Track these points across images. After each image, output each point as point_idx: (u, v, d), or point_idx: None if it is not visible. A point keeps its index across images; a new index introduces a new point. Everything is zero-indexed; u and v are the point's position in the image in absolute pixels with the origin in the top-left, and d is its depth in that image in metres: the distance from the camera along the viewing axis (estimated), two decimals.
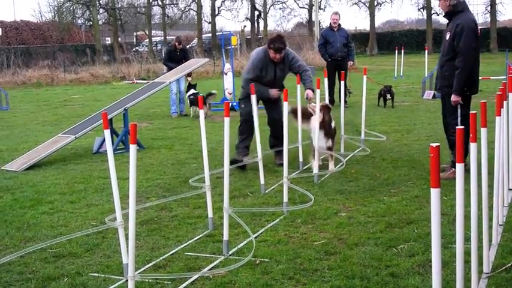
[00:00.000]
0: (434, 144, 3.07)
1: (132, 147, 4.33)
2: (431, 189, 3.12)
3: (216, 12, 53.03)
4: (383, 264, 5.30)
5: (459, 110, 8.11)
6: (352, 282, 4.93)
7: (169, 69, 16.89)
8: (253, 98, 7.88)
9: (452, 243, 5.55)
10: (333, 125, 9.23)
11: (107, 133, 5.11)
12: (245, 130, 9.52)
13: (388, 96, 16.12)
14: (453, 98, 8.03)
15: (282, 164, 7.99)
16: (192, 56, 31.04)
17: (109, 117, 9.83)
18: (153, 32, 54.37)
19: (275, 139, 9.72)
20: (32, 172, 9.79)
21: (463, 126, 3.67)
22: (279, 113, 9.14)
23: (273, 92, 9.50)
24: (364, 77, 11.03)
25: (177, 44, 17.46)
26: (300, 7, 57.54)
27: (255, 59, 9.46)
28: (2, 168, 10.15)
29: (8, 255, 5.45)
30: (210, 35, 52.80)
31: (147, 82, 17.09)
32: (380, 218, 6.65)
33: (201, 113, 6.32)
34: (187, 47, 43.76)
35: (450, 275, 4.83)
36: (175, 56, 17.27)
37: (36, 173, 9.73)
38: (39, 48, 45.79)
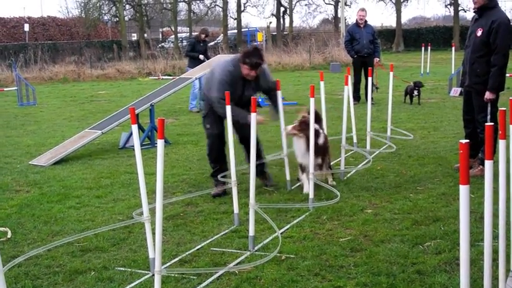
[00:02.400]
0: (463, 141, 3.05)
1: (160, 142, 4.35)
2: (460, 186, 3.10)
3: (242, 8, 52.97)
4: (409, 262, 5.28)
5: (489, 108, 8.04)
6: (378, 279, 4.92)
7: (193, 61, 17.00)
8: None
9: (479, 241, 5.51)
10: (321, 140, 7.84)
11: (135, 128, 5.13)
12: (217, 158, 8.11)
13: (415, 92, 16.00)
14: (488, 95, 7.95)
15: (272, 185, 8.03)
16: (217, 52, 31.13)
17: (136, 112, 9.86)
18: (179, 28, 54.49)
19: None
20: (59, 167, 9.87)
21: (492, 123, 3.64)
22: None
23: (258, 119, 6.91)
24: (391, 73, 10.97)
25: (203, 35, 17.50)
26: (326, 3, 57.28)
27: (222, 74, 7.75)
28: (30, 162, 10.24)
29: (36, 249, 5.50)
30: (235, 31, 52.77)
31: (173, 78, 17.13)
32: (406, 215, 6.62)
33: (228, 108, 6.33)
34: (213, 43, 43.97)
35: (477, 273, 4.80)
36: (199, 48, 17.35)
37: (63, 167, 9.81)
38: (66, 44, 46.12)
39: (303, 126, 7.73)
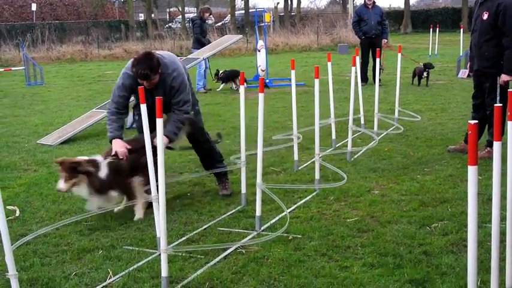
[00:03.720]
0: (472, 122, 3.04)
1: (159, 121, 4.34)
2: (469, 166, 3.09)
3: None
4: (416, 243, 5.29)
5: (498, 90, 8.01)
6: (384, 260, 4.93)
7: (201, 44, 16.98)
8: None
9: (486, 222, 5.51)
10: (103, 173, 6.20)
11: (143, 107, 5.13)
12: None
13: (425, 74, 15.94)
14: (505, 77, 7.89)
15: (226, 195, 6.91)
16: (225, 33, 31.06)
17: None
18: (186, 8, 54.28)
19: (206, 160, 7.30)
20: (66, 146, 9.90)
21: (501, 104, 3.62)
22: (201, 135, 7.08)
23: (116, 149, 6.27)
24: (399, 54, 10.92)
25: (207, 14, 17.42)
26: None
27: (124, 74, 6.61)
28: (38, 142, 10.27)
29: (44, 228, 5.53)
30: (243, 11, 52.52)
31: (180, 59, 17.11)
32: (413, 197, 6.62)
33: (242, 88, 6.32)
34: (220, 23, 43.84)
35: (484, 255, 4.81)
36: (205, 28, 17.38)
37: (70, 147, 9.83)
38: (73, 24, 46.02)
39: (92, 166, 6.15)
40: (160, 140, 4.33)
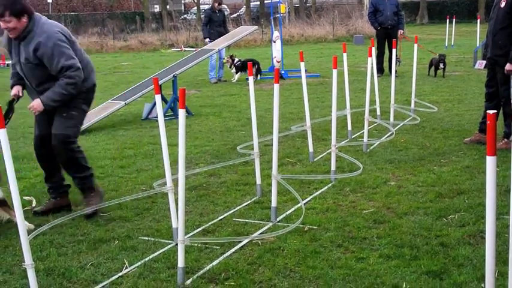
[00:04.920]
0: (491, 112, 3.01)
1: (181, 112, 4.35)
2: (487, 157, 3.06)
3: None
4: (433, 234, 5.26)
5: (511, 80, 7.95)
6: (401, 251, 4.91)
7: (208, 34, 17.05)
8: None
9: (504, 214, 5.48)
10: None
11: (158, 98, 5.13)
12: (43, 166, 6.48)
13: (441, 65, 15.85)
14: (508, 67, 7.85)
15: (90, 216, 5.97)
16: (240, 24, 31.00)
17: (159, 83, 9.87)
18: (201, 0, 54.28)
19: (52, 167, 6.43)
20: (82, 137, 9.89)
21: None
22: (61, 128, 6.16)
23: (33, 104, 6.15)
24: (415, 45, 10.85)
25: (216, 4, 17.44)
26: None
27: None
28: None
29: (61, 217, 5.54)
30: (258, 3, 52.35)
31: (195, 50, 17.11)
32: (430, 188, 6.58)
33: (250, 80, 6.29)
34: (236, 15, 43.78)
35: (502, 246, 4.78)
36: (215, 18, 17.33)
37: (86, 138, 9.85)
38: (89, 16, 46.18)
39: None
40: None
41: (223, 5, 18.55)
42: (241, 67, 16.90)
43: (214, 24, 17.27)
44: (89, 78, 6.30)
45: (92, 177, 6.35)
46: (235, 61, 16.96)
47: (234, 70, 17.02)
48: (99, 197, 6.31)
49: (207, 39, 17.04)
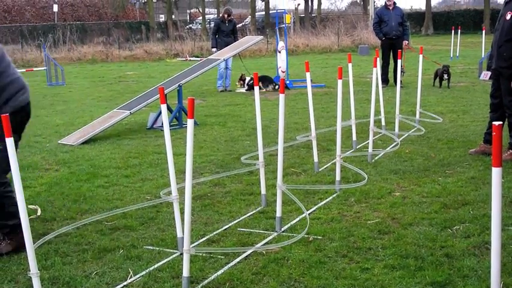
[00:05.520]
0: (497, 123, 3.01)
1: (190, 122, 4.37)
2: (493, 168, 3.07)
3: None
4: (438, 245, 5.25)
5: None
6: (406, 262, 4.90)
7: (216, 44, 17.16)
8: None
9: (509, 225, 5.48)
10: None
11: (164, 108, 5.14)
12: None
13: (445, 76, 15.85)
14: None
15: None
16: (245, 34, 31.06)
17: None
18: (207, 9, 54.37)
19: None
20: (87, 146, 9.94)
21: None
22: None
23: None
24: (420, 56, 10.87)
25: (226, 15, 17.62)
26: None
27: None
28: (59, 142, 10.33)
29: (65, 227, 5.55)
30: (263, 13, 52.56)
31: (201, 59, 17.18)
32: (435, 199, 6.57)
33: (256, 90, 6.30)
34: (241, 25, 43.86)
35: (507, 257, 4.78)
36: (224, 28, 17.45)
37: (91, 147, 9.87)
38: (94, 25, 46.27)
39: None
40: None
41: (240, 24, 18.76)
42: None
43: (222, 34, 17.46)
44: (11, 99, 5.50)
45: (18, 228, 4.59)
46: (246, 81, 16.99)
47: (244, 89, 16.96)
48: (12, 247, 5.39)
49: (214, 49, 17.16)
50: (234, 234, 5.73)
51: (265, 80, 16.82)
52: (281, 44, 17.88)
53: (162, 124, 5.34)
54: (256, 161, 6.59)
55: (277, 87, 16.64)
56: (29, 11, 49.41)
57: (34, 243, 4.19)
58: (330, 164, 8.23)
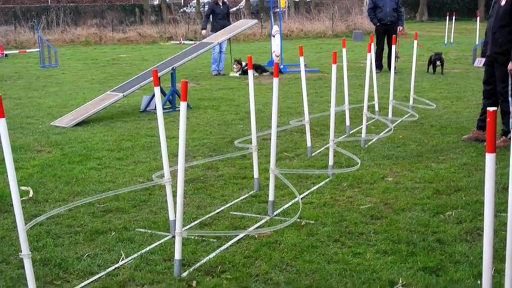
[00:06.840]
0: (491, 109, 3.00)
1: (183, 104, 4.35)
2: (487, 154, 3.06)
3: None
4: (430, 230, 5.26)
5: (510, 78, 7.95)
6: (398, 247, 4.91)
7: (206, 25, 17.14)
8: None
9: (501, 211, 5.48)
10: None
11: (157, 90, 5.12)
12: None
13: (438, 62, 15.84)
14: (511, 66, 7.85)
15: None
16: (239, 18, 30.95)
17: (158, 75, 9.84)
18: None
19: None
20: (80, 128, 9.91)
21: None
22: None
23: None
24: (415, 42, 10.85)
25: None
26: None
27: None
28: (51, 124, 10.29)
29: (57, 208, 5.55)
30: None
31: (194, 43, 17.12)
32: (427, 184, 6.58)
33: (250, 73, 6.28)
34: (235, 8, 43.69)
35: (499, 243, 4.78)
36: (219, 10, 17.36)
37: (84, 129, 9.84)
38: (88, 7, 45.97)
39: None
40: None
41: (234, 8, 18.67)
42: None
43: (217, 17, 17.32)
44: None
45: None
46: (243, 65, 16.85)
47: (238, 73, 16.86)
48: None
49: (204, 31, 17.11)
50: (227, 217, 5.73)
51: (258, 68, 16.75)
52: (275, 28, 17.81)
53: (155, 107, 5.31)
54: (250, 145, 6.58)
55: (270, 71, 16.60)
56: None
57: (26, 224, 4.18)
58: (323, 148, 8.24)
